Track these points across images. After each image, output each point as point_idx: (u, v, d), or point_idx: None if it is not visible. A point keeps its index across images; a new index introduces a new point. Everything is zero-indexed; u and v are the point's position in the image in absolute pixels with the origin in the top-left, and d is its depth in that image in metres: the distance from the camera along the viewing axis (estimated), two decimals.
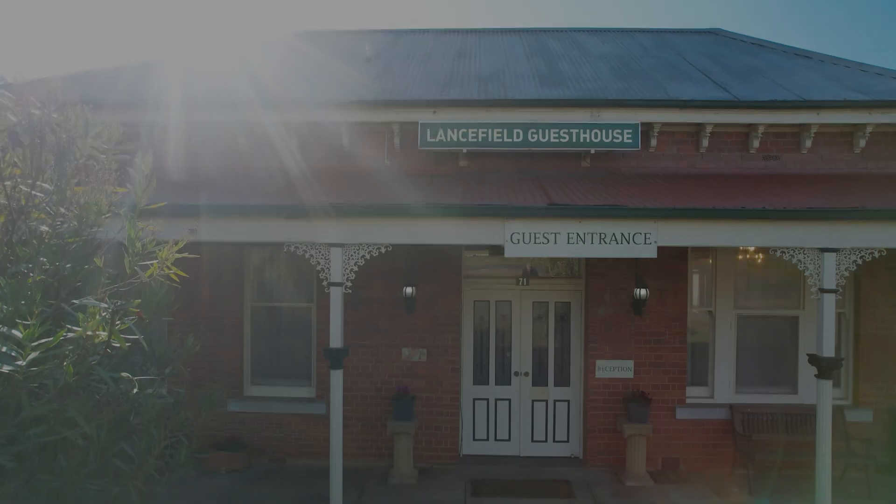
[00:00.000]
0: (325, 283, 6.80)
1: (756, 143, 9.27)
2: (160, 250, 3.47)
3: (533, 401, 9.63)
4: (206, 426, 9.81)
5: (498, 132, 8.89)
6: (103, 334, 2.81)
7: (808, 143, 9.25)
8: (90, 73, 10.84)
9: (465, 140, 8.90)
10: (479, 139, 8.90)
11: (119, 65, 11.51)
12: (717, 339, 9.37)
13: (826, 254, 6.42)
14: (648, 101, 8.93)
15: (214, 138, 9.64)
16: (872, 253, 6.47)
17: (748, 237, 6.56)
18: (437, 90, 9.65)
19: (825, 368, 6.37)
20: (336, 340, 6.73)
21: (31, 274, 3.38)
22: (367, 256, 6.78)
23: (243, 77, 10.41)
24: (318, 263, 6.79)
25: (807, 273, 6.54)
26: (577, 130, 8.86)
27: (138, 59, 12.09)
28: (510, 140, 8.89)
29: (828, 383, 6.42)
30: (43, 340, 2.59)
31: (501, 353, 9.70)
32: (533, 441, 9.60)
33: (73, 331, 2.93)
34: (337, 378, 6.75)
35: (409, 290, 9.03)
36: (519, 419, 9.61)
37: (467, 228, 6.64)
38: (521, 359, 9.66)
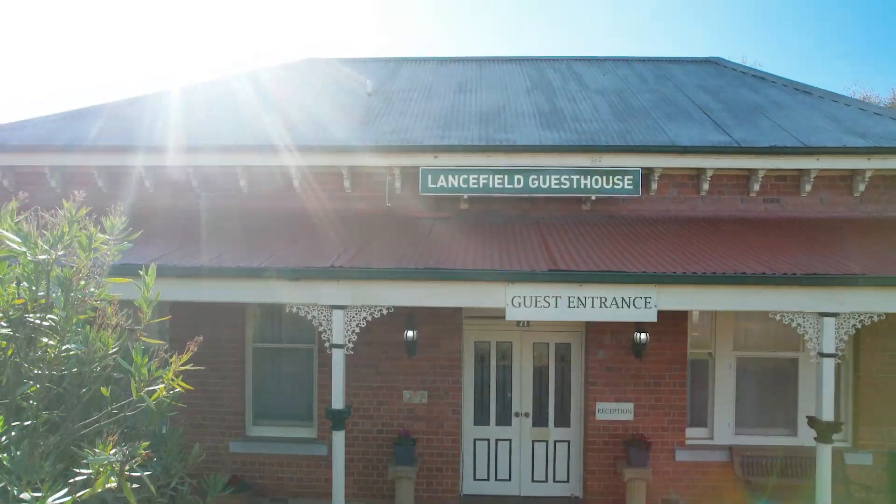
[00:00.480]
0: (327, 344, 6.83)
1: (756, 187, 9.30)
2: (166, 372, 3.51)
3: (533, 441, 9.68)
4: (208, 467, 9.89)
5: (499, 178, 8.92)
6: (113, 484, 2.85)
7: (808, 187, 9.28)
8: (84, 112, 10.83)
9: (465, 186, 8.93)
10: (480, 185, 8.93)
11: (115, 100, 11.50)
12: (716, 380, 9.42)
13: (825, 318, 6.46)
14: (649, 147, 8.95)
15: (212, 181, 9.70)
16: (871, 317, 6.51)
17: (748, 302, 6.59)
18: (438, 131, 9.67)
19: (824, 432, 6.41)
20: (338, 401, 6.77)
21: (35, 383, 3.42)
22: (369, 318, 6.81)
23: (242, 115, 10.44)
24: (321, 325, 6.82)
25: (806, 337, 6.57)
26: (577, 177, 8.89)
27: (137, 91, 12.11)
28: (511, 186, 8.93)
29: (827, 447, 6.46)
30: (53, 501, 2.63)
31: (502, 394, 9.75)
32: (533, 481, 9.65)
33: (82, 474, 2.96)
34: (339, 438, 6.79)
35: (410, 333, 9.06)
36: (519, 459, 9.66)
37: (469, 291, 6.68)
38: (522, 399, 9.70)
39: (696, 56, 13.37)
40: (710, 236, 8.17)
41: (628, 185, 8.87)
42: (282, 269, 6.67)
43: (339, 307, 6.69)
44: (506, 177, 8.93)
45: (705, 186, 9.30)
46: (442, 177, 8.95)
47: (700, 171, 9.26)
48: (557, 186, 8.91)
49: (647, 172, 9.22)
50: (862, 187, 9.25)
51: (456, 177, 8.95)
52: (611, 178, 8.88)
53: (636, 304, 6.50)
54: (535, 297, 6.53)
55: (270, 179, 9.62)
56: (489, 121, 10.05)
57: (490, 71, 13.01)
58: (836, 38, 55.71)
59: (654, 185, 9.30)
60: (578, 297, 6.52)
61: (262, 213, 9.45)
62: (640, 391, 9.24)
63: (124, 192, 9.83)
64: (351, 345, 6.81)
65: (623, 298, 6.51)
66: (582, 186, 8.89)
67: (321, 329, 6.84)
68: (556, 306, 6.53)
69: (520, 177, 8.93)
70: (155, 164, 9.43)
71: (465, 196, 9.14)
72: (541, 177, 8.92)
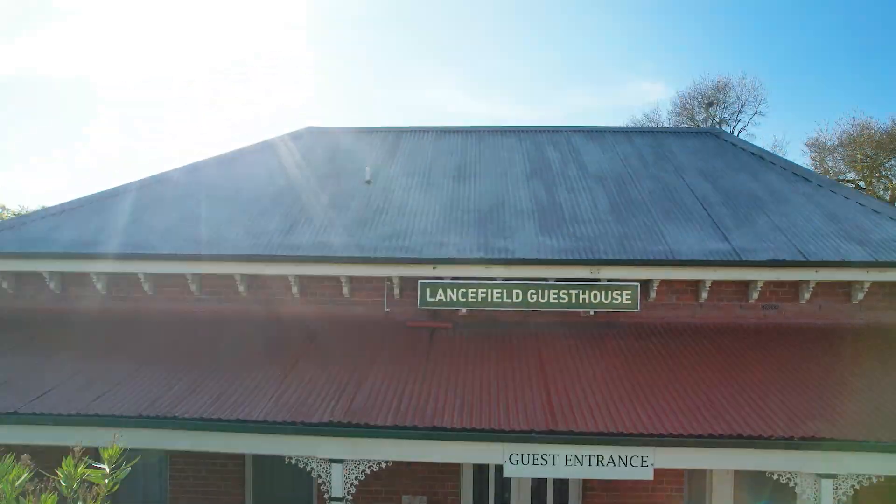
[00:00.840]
0: (326, 496, 6.86)
1: (755, 295, 9.31)
2: None
3: None
4: None
5: (497, 292, 8.95)
6: None
7: (807, 295, 9.28)
8: (83, 204, 10.81)
9: (464, 300, 8.97)
10: (479, 299, 8.96)
11: (114, 187, 11.45)
12: (713, 492, 9.43)
13: (823, 480, 6.48)
14: (648, 261, 8.93)
15: (211, 286, 9.74)
16: (871, 479, 6.53)
17: (744, 462, 6.62)
18: (437, 236, 9.63)
19: None
20: None
21: None
22: (368, 471, 6.84)
23: (242, 212, 10.41)
24: (320, 476, 6.85)
25: (804, 497, 6.60)
26: (576, 291, 8.91)
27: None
28: (509, 300, 8.95)
29: None
30: None
31: (500, 495, 9.78)
32: None
33: None
34: None
35: None
36: None
37: (468, 450, 6.73)
38: (521, 499, 9.74)
39: (695, 129, 13.33)
40: (709, 366, 8.15)
41: (627, 300, 8.90)
42: (281, 424, 6.69)
43: (338, 461, 6.72)
44: (504, 291, 8.96)
45: (704, 295, 9.31)
46: (440, 290, 8.97)
47: (699, 280, 9.26)
48: (556, 301, 8.94)
49: (646, 281, 9.23)
50: (861, 296, 9.25)
51: (455, 290, 8.97)
52: (609, 292, 8.90)
53: (633, 463, 6.53)
54: (533, 455, 6.55)
55: (269, 285, 9.63)
56: (488, 221, 10.03)
57: (489, 145, 12.96)
58: (839, 63, 55.63)
59: (653, 294, 9.31)
60: (576, 456, 6.54)
61: (261, 320, 9.48)
62: (637, 499, 9.27)
63: (122, 294, 9.87)
64: (350, 497, 6.84)
65: (620, 457, 6.53)
66: (580, 301, 8.92)
67: (320, 481, 6.86)
68: (554, 464, 6.55)
69: (518, 291, 8.95)
70: (152, 270, 9.46)
71: (464, 311, 9.18)
72: (539, 291, 8.94)
